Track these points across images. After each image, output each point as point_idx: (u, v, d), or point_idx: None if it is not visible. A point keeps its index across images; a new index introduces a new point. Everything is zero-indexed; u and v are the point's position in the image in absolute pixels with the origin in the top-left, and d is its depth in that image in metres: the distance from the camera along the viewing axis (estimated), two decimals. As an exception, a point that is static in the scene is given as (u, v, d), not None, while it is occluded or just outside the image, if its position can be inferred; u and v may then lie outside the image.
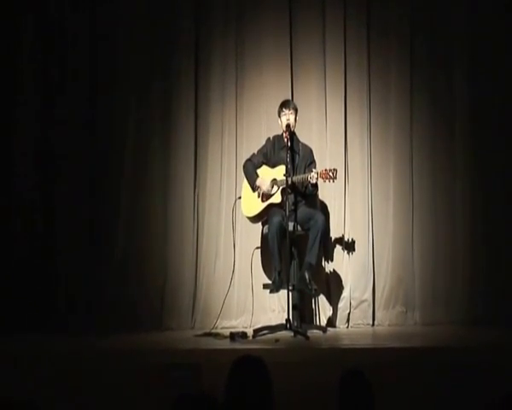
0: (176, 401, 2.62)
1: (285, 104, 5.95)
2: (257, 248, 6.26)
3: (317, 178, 5.66)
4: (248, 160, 6.12)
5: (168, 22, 6.61)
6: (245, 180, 6.10)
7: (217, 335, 5.79)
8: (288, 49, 6.55)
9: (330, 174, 5.70)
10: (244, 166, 6.12)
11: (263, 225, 6.04)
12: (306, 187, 5.85)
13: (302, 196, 5.93)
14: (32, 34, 6.51)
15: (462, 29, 6.43)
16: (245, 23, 6.64)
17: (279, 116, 5.96)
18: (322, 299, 6.34)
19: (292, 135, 5.92)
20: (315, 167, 5.88)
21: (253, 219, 6.05)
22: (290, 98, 6.29)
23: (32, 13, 6.52)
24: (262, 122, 6.54)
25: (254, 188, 5.98)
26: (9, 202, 6.42)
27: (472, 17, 6.41)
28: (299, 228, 5.87)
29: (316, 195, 6.08)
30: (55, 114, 6.50)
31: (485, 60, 6.36)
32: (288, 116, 5.89)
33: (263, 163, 6.05)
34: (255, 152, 6.13)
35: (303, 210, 5.90)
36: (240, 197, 6.15)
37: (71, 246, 6.40)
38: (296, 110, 5.94)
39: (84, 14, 6.56)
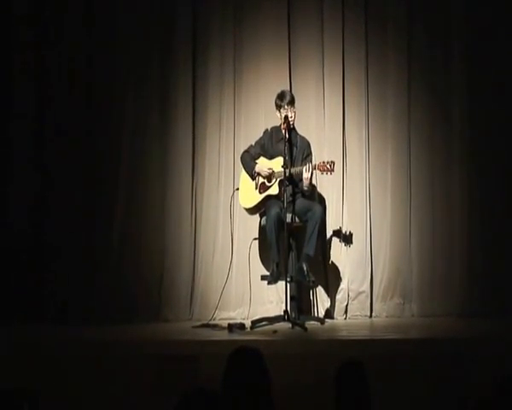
0: (180, 399, 2.61)
1: (284, 98, 5.90)
2: (255, 239, 6.26)
3: (312, 170, 5.68)
4: (246, 151, 6.12)
5: (165, 13, 6.59)
6: (243, 171, 6.10)
7: (215, 326, 5.80)
8: (287, 40, 6.54)
9: (328, 166, 5.70)
10: (241, 158, 6.11)
11: (261, 217, 6.04)
12: (301, 180, 5.84)
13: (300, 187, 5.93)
14: (28, 20, 6.50)
15: (461, 18, 6.43)
16: (243, 14, 6.62)
17: (277, 109, 5.94)
18: (320, 290, 6.35)
19: (290, 127, 5.91)
20: (311, 160, 5.90)
21: (251, 211, 6.05)
22: (288, 89, 6.23)
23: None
24: (260, 113, 6.53)
25: (253, 175, 5.98)
26: (7, 192, 6.43)
27: (470, 5, 6.40)
28: (296, 219, 5.87)
29: (314, 186, 6.08)
30: (52, 103, 6.49)
31: (483, 49, 6.36)
32: (288, 112, 5.87)
33: (260, 155, 6.05)
34: (252, 143, 6.12)
35: (301, 202, 5.90)
36: (237, 189, 6.15)
37: (69, 237, 6.39)
38: (294, 103, 5.92)
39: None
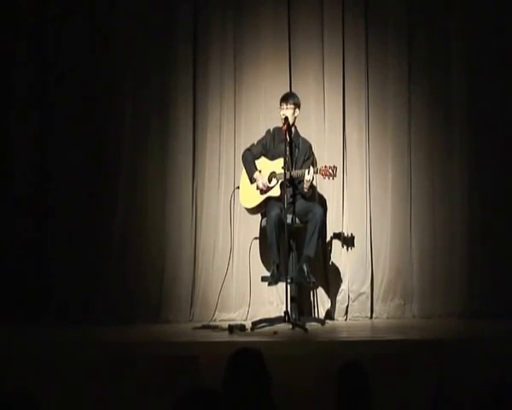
0: (180, 397, 2.61)
1: (283, 98, 5.93)
2: (255, 238, 6.26)
3: (314, 173, 5.68)
4: (248, 149, 6.11)
5: (166, 13, 6.59)
6: (244, 170, 6.09)
7: (215, 327, 5.79)
8: (287, 42, 6.53)
9: (330, 171, 5.70)
10: (243, 157, 6.11)
11: (262, 217, 6.03)
12: (300, 182, 5.83)
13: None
14: (29, 17, 6.51)
15: (461, 18, 6.41)
16: (243, 15, 6.61)
17: (279, 108, 5.95)
18: (320, 291, 6.35)
19: (291, 128, 5.91)
20: (312, 163, 5.91)
21: (251, 211, 6.05)
22: (289, 91, 6.23)
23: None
24: (260, 114, 6.53)
25: (252, 180, 5.98)
26: (7, 191, 6.43)
27: (470, 5, 6.39)
28: (297, 221, 5.87)
29: (314, 187, 6.08)
30: (52, 103, 6.50)
31: (483, 49, 6.35)
32: (284, 111, 5.87)
33: (261, 154, 6.05)
34: (255, 142, 6.12)
35: (301, 203, 5.90)
36: (238, 187, 6.15)
37: (69, 237, 6.39)
38: (296, 105, 5.91)
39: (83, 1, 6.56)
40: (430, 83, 6.46)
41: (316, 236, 5.73)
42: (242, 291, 6.34)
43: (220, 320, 6.16)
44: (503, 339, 5.01)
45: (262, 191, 5.92)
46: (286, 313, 5.58)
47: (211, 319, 6.10)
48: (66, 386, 4.59)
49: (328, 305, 6.34)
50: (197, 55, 6.60)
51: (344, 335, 5.61)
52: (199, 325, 5.94)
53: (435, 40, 6.47)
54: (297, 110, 5.93)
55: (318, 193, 6.31)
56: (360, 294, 6.35)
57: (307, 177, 5.72)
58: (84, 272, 6.38)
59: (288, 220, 5.68)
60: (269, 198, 5.89)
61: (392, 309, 6.35)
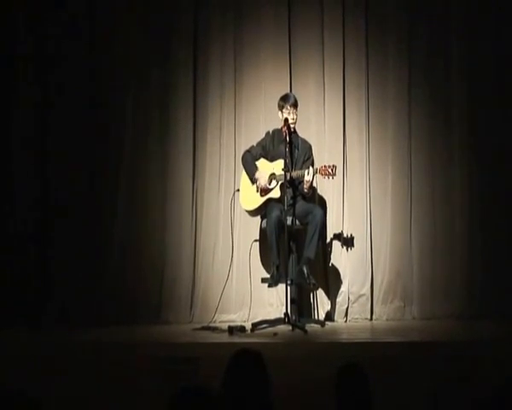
0: (175, 394, 2.61)
1: (287, 100, 5.91)
2: (255, 240, 6.26)
3: (314, 174, 5.68)
4: (247, 151, 6.11)
5: (166, 14, 6.59)
6: (244, 172, 6.09)
7: (215, 329, 5.79)
8: (287, 43, 6.54)
9: (329, 171, 5.69)
10: (243, 158, 6.11)
11: (262, 219, 6.03)
12: (300, 183, 5.83)
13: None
14: (27, 22, 6.50)
15: (461, 20, 6.41)
16: (243, 17, 6.62)
17: (280, 110, 5.94)
18: (320, 293, 6.34)
19: (291, 129, 5.91)
20: (311, 163, 5.90)
21: (252, 213, 6.05)
22: (289, 92, 6.22)
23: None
24: (260, 116, 6.53)
25: (253, 180, 5.98)
26: (7, 191, 6.43)
27: (470, 8, 6.39)
28: (297, 222, 5.87)
29: (314, 189, 6.07)
30: (53, 104, 6.50)
31: (483, 51, 6.34)
32: (291, 115, 5.87)
33: (261, 155, 6.04)
34: (254, 144, 6.12)
35: (301, 204, 5.90)
36: (238, 190, 6.15)
37: (69, 238, 6.39)
38: (297, 106, 5.93)
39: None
40: (430, 84, 6.46)
41: (316, 237, 5.73)
42: (242, 293, 6.34)
43: (220, 322, 6.16)
44: (503, 340, 5.01)
45: (263, 191, 5.92)
46: (286, 314, 5.59)
47: (211, 321, 6.10)
48: (66, 386, 4.59)
49: (327, 306, 6.33)
50: (197, 55, 6.60)
51: (344, 336, 5.61)
52: (199, 326, 5.95)
53: (435, 40, 6.46)
54: (297, 110, 5.95)
55: (318, 194, 6.31)
56: (360, 295, 6.34)
57: (307, 177, 5.71)
58: (84, 272, 6.38)
59: (288, 222, 5.68)
60: (269, 200, 5.89)
61: (392, 311, 6.34)
